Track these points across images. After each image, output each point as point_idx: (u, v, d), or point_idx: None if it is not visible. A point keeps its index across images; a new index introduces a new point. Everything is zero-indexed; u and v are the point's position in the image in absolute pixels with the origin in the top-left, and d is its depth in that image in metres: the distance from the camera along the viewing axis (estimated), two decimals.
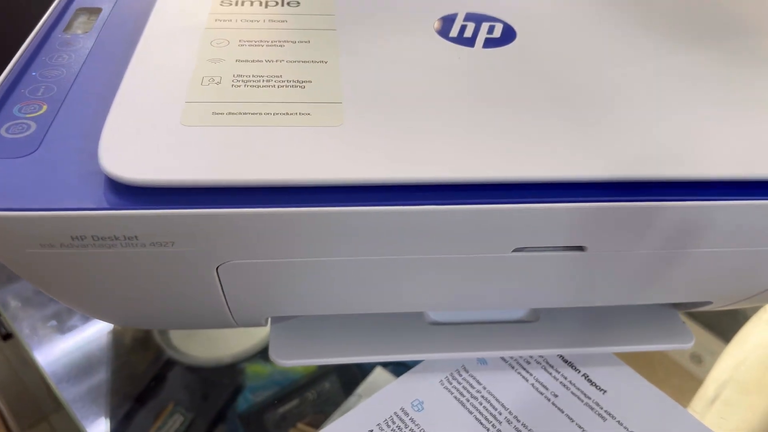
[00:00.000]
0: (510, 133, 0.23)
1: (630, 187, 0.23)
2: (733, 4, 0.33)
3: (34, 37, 0.28)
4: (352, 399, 0.35)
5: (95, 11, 0.30)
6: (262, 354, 0.38)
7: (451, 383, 0.33)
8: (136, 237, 0.21)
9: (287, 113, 0.23)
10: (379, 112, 0.23)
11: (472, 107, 0.24)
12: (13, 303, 0.40)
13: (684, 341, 0.34)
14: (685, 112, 0.25)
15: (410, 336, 0.32)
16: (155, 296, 0.26)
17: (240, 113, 0.23)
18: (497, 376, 0.33)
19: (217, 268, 0.24)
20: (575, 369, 0.34)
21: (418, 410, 0.31)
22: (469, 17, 0.30)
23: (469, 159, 0.22)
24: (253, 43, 0.27)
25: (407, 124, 0.23)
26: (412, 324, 0.33)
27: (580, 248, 0.25)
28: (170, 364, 0.38)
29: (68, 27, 0.29)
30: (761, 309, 0.43)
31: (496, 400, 0.32)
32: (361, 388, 0.36)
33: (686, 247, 0.25)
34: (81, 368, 0.37)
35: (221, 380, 0.37)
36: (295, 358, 0.31)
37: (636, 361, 0.34)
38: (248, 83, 0.24)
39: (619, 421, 0.31)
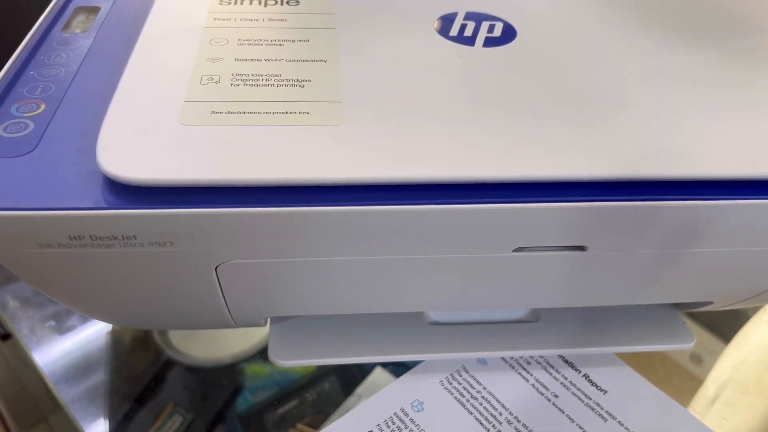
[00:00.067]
0: (510, 132, 0.23)
1: (631, 187, 0.23)
2: (733, 4, 0.33)
3: (32, 36, 0.28)
4: (351, 399, 0.35)
5: (94, 10, 0.30)
6: (261, 354, 0.38)
7: (451, 383, 0.33)
8: (134, 237, 0.21)
9: (286, 112, 0.23)
10: (379, 111, 0.23)
11: (473, 106, 0.24)
12: (12, 303, 0.40)
13: (685, 341, 0.34)
14: (685, 111, 0.25)
15: (410, 336, 0.32)
16: (154, 296, 0.26)
17: (239, 112, 0.23)
18: (497, 377, 0.33)
19: (216, 268, 0.24)
20: (576, 369, 0.34)
21: (418, 411, 0.31)
22: (469, 16, 0.30)
23: (469, 158, 0.22)
24: (253, 42, 0.27)
25: (407, 123, 0.23)
26: (412, 324, 0.33)
27: (581, 248, 0.25)
28: (169, 364, 0.38)
29: (67, 26, 0.29)
30: (761, 309, 0.43)
31: (497, 400, 0.32)
32: (361, 389, 0.36)
33: (687, 246, 0.25)
34: (80, 368, 0.37)
35: (221, 381, 0.37)
36: (295, 359, 0.31)
37: (636, 362, 0.34)
38: (247, 82, 0.24)
39: (619, 422, 0.31)
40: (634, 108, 0.25)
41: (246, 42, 0.27)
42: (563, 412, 0.32)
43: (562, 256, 0.26)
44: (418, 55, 0.27)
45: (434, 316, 0.34)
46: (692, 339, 0.34)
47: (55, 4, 0.30)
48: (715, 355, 0.40)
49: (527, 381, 0.33)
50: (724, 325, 0.41)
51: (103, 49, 0.27)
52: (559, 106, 0.25)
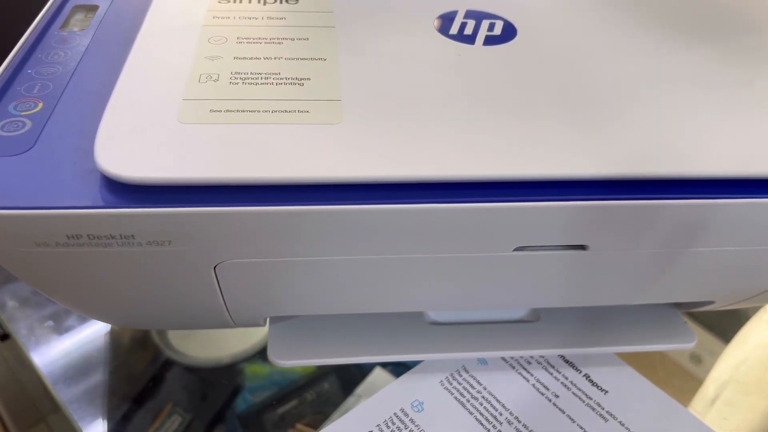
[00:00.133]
0: (510, 130, 0.23)
1: (632, 186, 0.23)
2: (733, 3, 0.33)
3: (30, 34, 0.28)
4: (351, 399, 0.35)
5: (92, 8, 0.30)
6: (260, 354, 0.38)
7: (451, 383, 0.33)
8: (132, 236, 0.21)
9: (286, 111, 0.23)
10: (379, 109, 0.23)
11: (473, 105, 0.24)
12: (11, 303, 0.40)
13: (686, 341, 0.34)
14: (686, 109, 0.25)
15: (410, 336, 0.32)
16: (152, 296, 0.25)
17: (238, 111, 0.22)
18: (498, 377, 0.33)
19: (214, 268, 0.23)
20: (576, 369, 0.34)
21: (418, 411, 0.31)
22: (469, 14, 0.30)
23: (469, 157, 0.22)
24: (252, 40, 0.26)
25: (408, 121, 0.23)
26: (412, 324, 0.33)
27: (582, 247, 0.25)
28: (168, 364, 0.37)
29: (65, 24, 0.29)
30: (761, 309, 0.43)
31: (497, 400, 0.32)
32: (361, 389, 0.36)
33: (689, 245, 0.25)
34: (78, 369, 0.37)
35: (220, 381, 0.37)
36: (294, 359, 0.31)
37: (636, 362, 0.34)
38: (246, 80, 0.24)
39: (620, 422, 0.31)
40: (635, 106, 0.25)
41: (245, 40, 0.26)
42: (564, 413, 0.31)
43: (562, 256, 0.25)
44: (419, 53, 0.27)
45: (434, 315, 0.33)
46: (693, 339, 0.34)
47: (53, 3, 0.30)
48: (715, 355, 0.40)
49: (528, 381, 0.33)
50: (724, 325, 0.41)
51: (102, 47, 0.27)
52: (560, 105, 0.24)
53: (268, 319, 0.32)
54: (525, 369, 0.34)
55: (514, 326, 0.33)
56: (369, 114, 0.23)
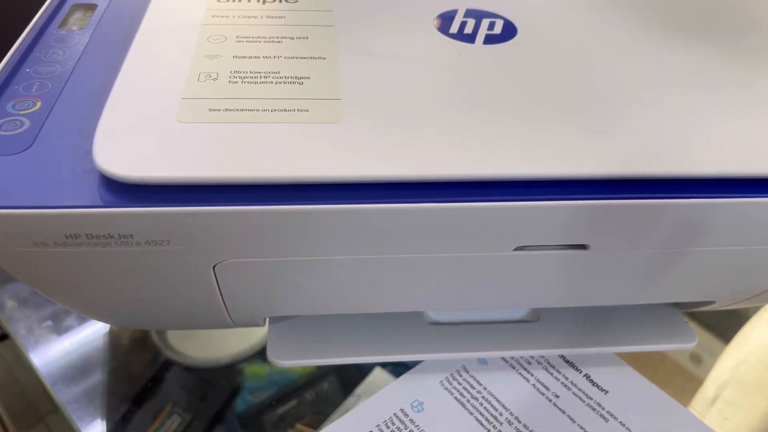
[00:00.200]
0: (511, 129, 0.23)
1: (633, 185, 0.23)
2: (733, 3, 0.33)
3: (29, 33, 0.27)
4: (351, 400, 0.35)
5: (91, 7, 0.30)
6: (260, 354, 0.38)
7: (451, 384, 0.32)
8: (131, 235, 0.21)
9: (285, 110, 0.23)
10: (378, 108, 0.23)
11: (473, 104, 0.24)
12: (9, 303, 0.40)
13: (687, 341, 0.33)
14: (687, 109, 0.25)
15: (410, 336, 0.32)
16: (151, 296, 0.25)
17: (237, 110, 0.22)
18: (498, 377, 0.33)
19: (213, 267, 0.23)
20: (577, 369, 0.34)
21: (418, 411, 0.31)
22: (469, 13, 0.30)
23: (469, 156, 0.22)
24: (251, 39, 0.26)
25: (407, 120, 0.23)
26: (412, 324, 0.33)
27: (583, 247, 0.25)
28: (168, 364, 0.37)
29: (63, 23, 0.29)
30: (762, 309, 0.43)
31: (497, 400, 0.32)
32: (360, 389, 0.36)
33: (689, 245, 0.25)
34: (77, 369, 0.36)
35: (219, 381, 0.37)
36: (294, 359, 0.31)
37: (636, 362, 0.34)
38: (245, 79, 0.24)
39: (621, 422, 0.31)
40: (635, 105, 0.25)
41: (244, 39, 0.26)
42: (564, 413, 0.31)
43: (563, 255, 0.25)
44: (419, 52, 0.27)
45: (434, 315, 0.33)
46: (694, 339, 0.33)
47: (51, 1, 0.30)
48: (715, 355, 0.40)
49: (528, 381, 0.33)
50: (724, 325, 0.41)
51: (100, 46, 0.27)
52: (560, 104, 0.24)
53: (267, 319, 0.32)
54: (525, 369, 0.33)
55: (514, 326, 0.33)
56: (369, 113, 0.23)
